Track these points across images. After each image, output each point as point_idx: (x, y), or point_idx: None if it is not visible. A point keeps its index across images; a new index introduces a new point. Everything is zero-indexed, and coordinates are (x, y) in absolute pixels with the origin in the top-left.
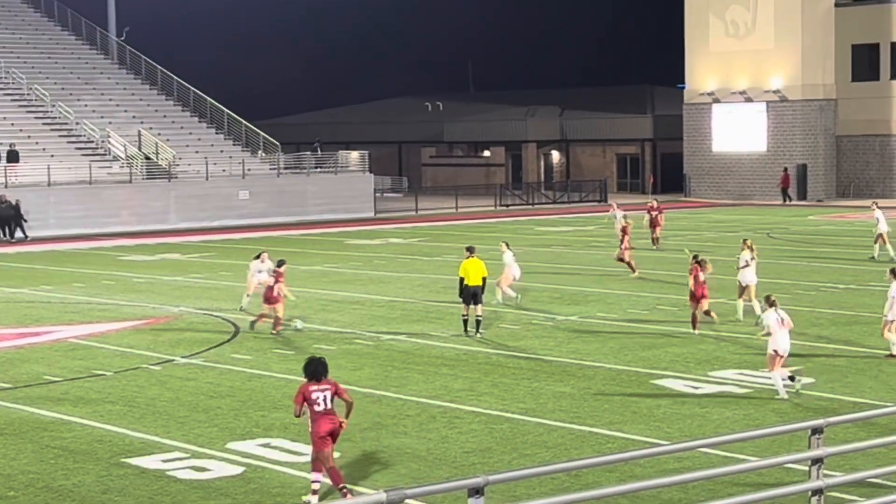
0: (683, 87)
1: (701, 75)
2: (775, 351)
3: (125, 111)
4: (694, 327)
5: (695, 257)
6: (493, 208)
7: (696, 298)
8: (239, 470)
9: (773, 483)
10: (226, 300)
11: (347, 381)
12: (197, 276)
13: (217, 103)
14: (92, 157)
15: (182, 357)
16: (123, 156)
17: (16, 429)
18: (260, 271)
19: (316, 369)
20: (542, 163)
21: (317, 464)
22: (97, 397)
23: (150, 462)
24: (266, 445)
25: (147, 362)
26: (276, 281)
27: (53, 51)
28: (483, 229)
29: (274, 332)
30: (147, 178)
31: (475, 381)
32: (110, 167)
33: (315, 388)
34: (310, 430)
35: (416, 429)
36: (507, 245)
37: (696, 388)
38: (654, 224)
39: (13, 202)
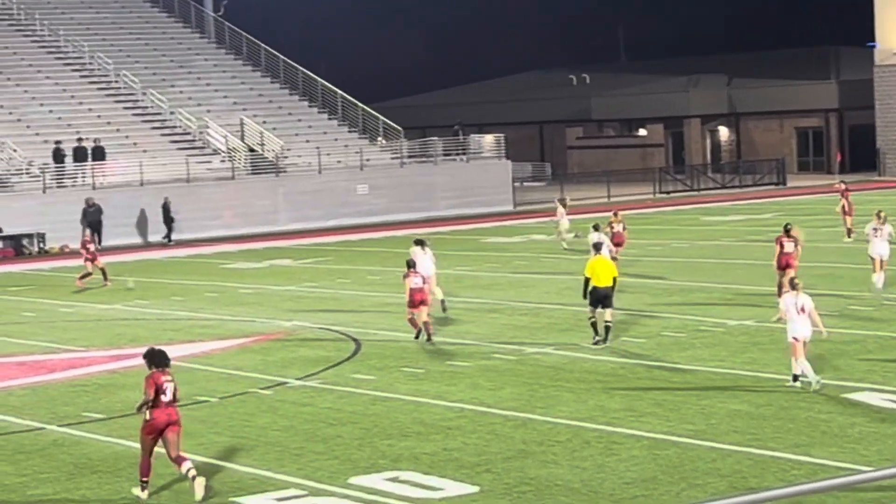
0: (874, 46)
1: (894, 31)
2: (795, 338)
3: (225, 97)
4: (779, 295)
5: (785, 227)
6: (651, 196)
7: (780, 267)
8: None
9: None
10: (344, 311)
11: (486, 402)
12: (311, 285)
13: (329, 84)
14: (189, 151)
15: (296, 379)
16: (224, 149)
17: (111, 465)
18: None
19: (163, 358)
20: (708, 141)
21: (145, 467)
22: (201, 427)
23: (262, 501)
24: (394, 480)
25: (256, 386)
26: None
27: (142, 31)
28: (640, 221)
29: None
30: (251, 174)
31: (635, 399)
32: (210, 162)
33: (164, 378)
34: (146, 420)
35: (567, 457)
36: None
37: None
38: (847, 211)
39: (164, 200)
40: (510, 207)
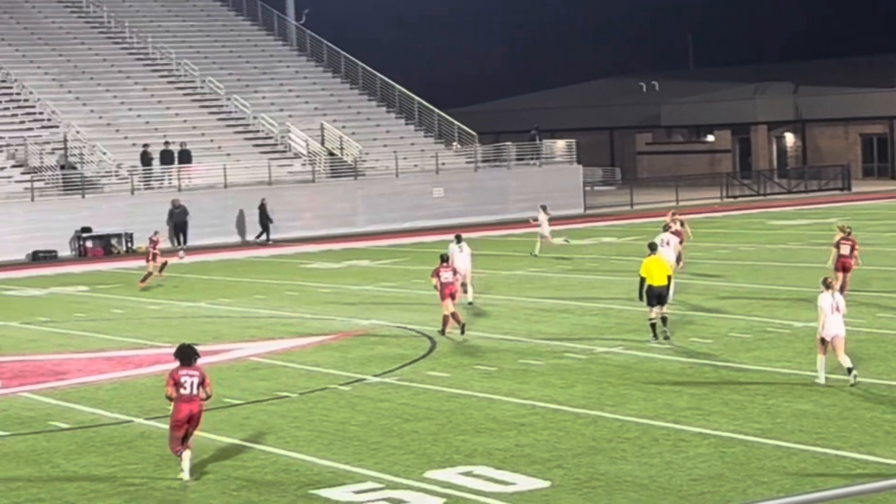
0: None
1: None
2: (822, 338)
3: (306, 103)
4: (842, 291)
5: (842, 229)
6: (718, 200)
7: (837, 269)
8: (439, 502)
9: None
10: (419, 310)
11: (558, 399)
12: (388, 285)
13: (406, 90)
14: (271, 154)
15: (374, 376)
16: (305, 152)
17: (197, 457)
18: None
19: (187, 354)
20: (775, 147)
21: (173, 444)
22: (281, 422)
23: (340, 494)
24: (468, 474)
25: (335, 382)
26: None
27: (227, 39)
28: (709, 225)
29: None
30: (331, 177)
31: (703, 398)
32: (291, 165)
33: (185, 372)
34: (172, 411)
35: (636, 453)
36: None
37: None
38: None
39: (261, 201)
40: (581, 210)
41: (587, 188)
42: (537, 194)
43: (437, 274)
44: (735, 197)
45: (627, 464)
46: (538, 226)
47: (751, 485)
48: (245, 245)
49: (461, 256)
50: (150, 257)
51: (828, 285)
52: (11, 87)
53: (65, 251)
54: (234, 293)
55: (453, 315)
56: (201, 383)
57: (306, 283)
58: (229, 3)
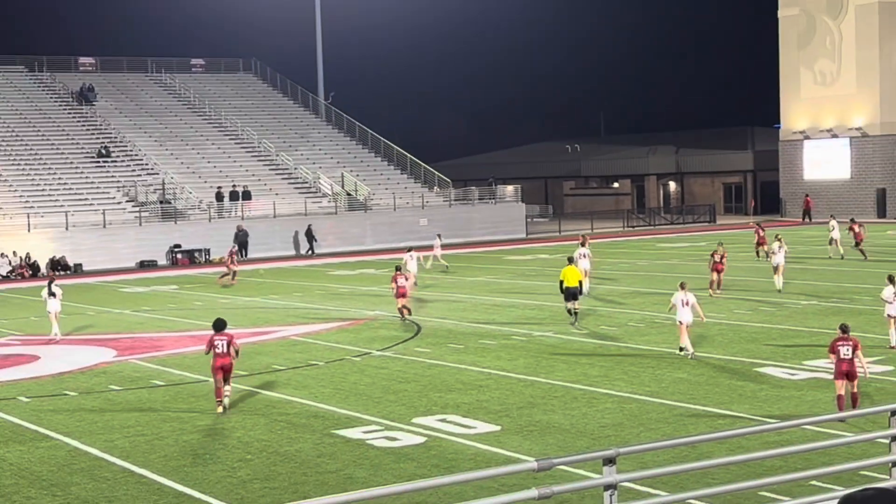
0: (779, 127)
1: (794, 117)
2: (680, 322)
3: (331, 158)
4: (711, 290)
5: (719, 244)
6: (621, 229)
7: (713, 270)
8: (422, 440)
9: (860, 455)
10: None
11: (506, 368)
12: (387, 287)
13: (401, 149)
14: (306, 194)
15: (377, 350)
16: (330, 193)
17: (252, 407)
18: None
19: (219, 325)
20: (662, 191)
21: (217, 390)
22: (312, 382)
23: (353, 433)
24: (443, 420)
25: (350, 355)
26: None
27: (276, 113)
28: (614, 246)
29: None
30: (348, 210)
31: (609, 368)
32: (320, 202)
33: (217, 337)
34: (211, 364)
35: (561, 407)
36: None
37: (793, 374)
38: (760, 242)
39: (307, 226)
40: (524, 235)
41: (528, 219)
42: (493, 223)
43: (395, 280)
44: (633, 227)
45: (555, 414)
46: (433, 249)
47: (643, 430)
48: (298, 257)
49: (411, 262)
50: (230, 262)
51: (681, 286)
52: (126, 146)
53: (162, 261)
54: (280, 291)
55: (405, 307)
56: (229, 343)
57: (330, 284)
58: (278, 87)
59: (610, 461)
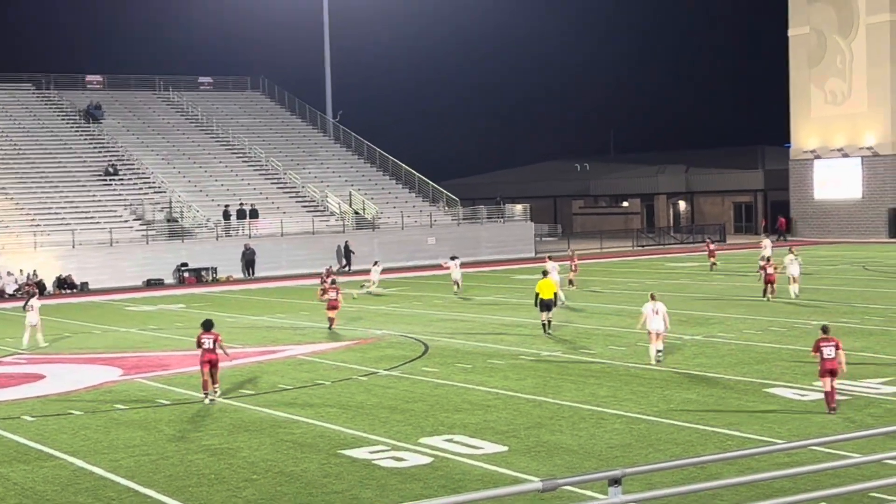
0: (789, 147)
1: (804, 136)
2: (649, 331)
3: (339, 177)
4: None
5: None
6: (630, 248)
7: (766, 281)
8: (429, 460)
9: (870, 476)
10: (418, 324)
11: (514, 388)
12: (395, 306)
13: (409, 168)
14: (314, 213)
15: (384, 370)
16: (338, 211)
17: (257, 426)
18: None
19: (207, 325)
20: (671, 211)
21: (204, 382)
22: (319, 401)
23: (359, 453)
24: (450, 440)
25: (357, 374)
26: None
27: (284, 131)
28: (623, 265)
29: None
30: (356, 229)
31: (617, 388)
32: (328, 220)
33: (205, 336)
34: (199, 358)
35: (569, 427)
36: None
37: (803, 395)
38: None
39: (344, 242)
40: (532, 254)
41: (537, 238)
42: (501, 243)
43: (324, 292)
44: (643, 246)
45: (563, 435)
46: (448, 269)
47: (651, 451)
48: (339, 273)
49: (375, 274)
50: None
51: (651, 297)
52: (133, 164)
53: (169, 279)
54: (287, 310)
55: (332, 319)
56: (215, 341)
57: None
58: (286, 106)
59: (615, 481)
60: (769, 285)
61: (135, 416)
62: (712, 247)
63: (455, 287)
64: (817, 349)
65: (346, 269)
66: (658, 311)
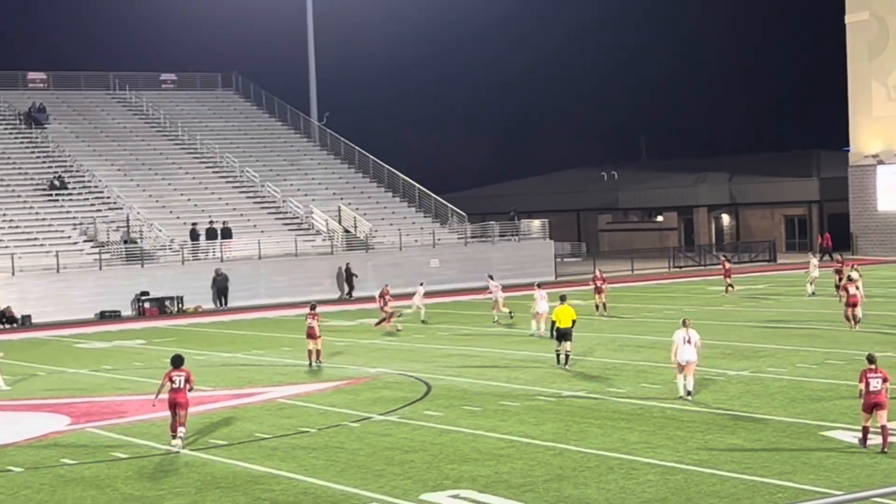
0: (848, 151)
1: (865, 138)
2: (679, 362)
3: (326, 189)
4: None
5: (848, 276)
6: (666, 270)
7: (848, 305)
8: None
9: None
10: (418, 361)
11: (531, 434)
12: (391, 340)
13: (409, 179)
14: (297, 231)
15: (379, 415)
16: (325, 230)
17: (230, 482)
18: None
19: (176, 361)
20: (713, 226)
21: (172, 425)
22: (303, 453)
23: None
24: (456, 497)
25: (347, 420)
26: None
27: (262, 136)
28: (658, 290)
29: (318, 361)
30: (346, 250)
31: (651, 433)
32: (313, 240)
33: (175, 373)
34: (168, 399)
35: (595, 480)
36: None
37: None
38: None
39: (345, 265)
40: (552, 278)
41: (558, 260)
42: (516, 264)
43: (311, 323)
44: (680, 267)
45: (588, 489)
46: (489, 294)
47: None
48: (340, 301)
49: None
50: (383, 304)
51: (684, 323)
52: (84, 176)
53: (127, 311)
54: (266, 345)
55: (318, 352)
56: (186, 380)
57: (325, 337)
58: (263, 107)
59: None
60: (851, 308)
61: (85, 473)
62: (728, 266)
63: (496, 312)
64: (863, 380)
65: (349, 295)
66: (690, 339)
